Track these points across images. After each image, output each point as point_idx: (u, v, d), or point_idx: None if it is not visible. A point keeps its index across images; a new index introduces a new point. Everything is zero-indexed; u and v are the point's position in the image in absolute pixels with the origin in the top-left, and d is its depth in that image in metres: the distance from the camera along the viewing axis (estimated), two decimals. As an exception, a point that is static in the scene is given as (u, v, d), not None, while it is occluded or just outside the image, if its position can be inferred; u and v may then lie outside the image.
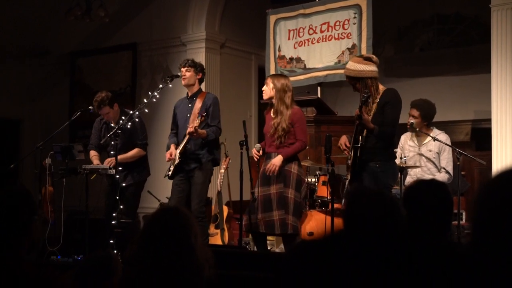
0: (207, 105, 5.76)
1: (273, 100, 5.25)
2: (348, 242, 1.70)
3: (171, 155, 5.69)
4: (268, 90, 5.28)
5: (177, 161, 5.67)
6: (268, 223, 5.14)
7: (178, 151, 5.67)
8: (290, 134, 5.20)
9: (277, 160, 5.12)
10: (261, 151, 5.29)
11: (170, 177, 5.80)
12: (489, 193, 1.46)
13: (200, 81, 5.91)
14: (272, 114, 5.29)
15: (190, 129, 5.44)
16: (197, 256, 2.21)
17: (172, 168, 5.73)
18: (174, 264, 2.17)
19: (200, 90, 5.91)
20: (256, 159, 5.34)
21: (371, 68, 4.68)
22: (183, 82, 5.85)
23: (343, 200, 5.58)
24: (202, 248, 2.28)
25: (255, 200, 5.19)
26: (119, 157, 5.72)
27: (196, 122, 5.43)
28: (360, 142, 4.55)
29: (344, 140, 4.82)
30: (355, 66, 4.72)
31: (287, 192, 5.13)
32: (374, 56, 4.80)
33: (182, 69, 5.82)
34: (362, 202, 2.01)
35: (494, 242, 1.39)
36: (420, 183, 2.80)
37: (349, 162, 4.79)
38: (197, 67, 5.85)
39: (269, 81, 5.31)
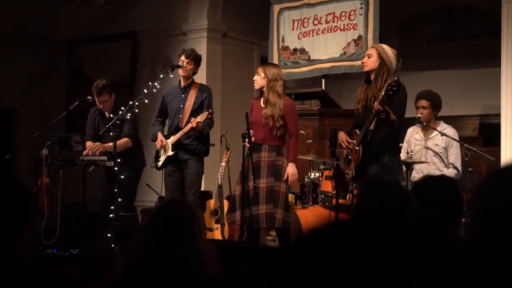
0: (202, 97, 5.79)
1: (264, 90, 5.29)
2: (357, 233, 1.68)
3: (162, 142, 5.73)
4: (259, 80, 5.31)
5: (170, 153, 5.70)
6: (253, 217, 5.19)
7: (170, 142, 5.70)
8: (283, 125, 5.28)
9: (293, 169, 5.24)
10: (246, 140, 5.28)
11: (159, 168, 5.83)
12: (492, 186, 1.45)
13: (195, 73, 5.96)
14: (262, 104, 5.32)
15: (192, 124, 5.46)
16: (200, 252, 2.20)
17: (161, 159, 5.76)
18: (176, 259, 2.16)
19: (193, 81, 5.95)
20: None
21: (394, 61, 4.78)
22: (182, 73, 5.85)
23: (347, 195, 5.59)
24: (205, 243, 2.27)
25: (258, 194, 5.21)
26: (106, 145, 5.83)
27: (200, 118, 5.47)
28: (368, 137, 4.58)
29: (344, 137, 4.83)
30: (387, 48, 4.85)
31: (278, 186, 5.19)
32: (401, 60, 4.88)
33: (184, 59, 5.80)
34: (378, 192, 2.00)
35: (493, 239, 1.38)
36: (429, 179, 2.80)
37: (350, 157, 4.81)
38: (198, 62, 5.91)
39: (260, 71, 5.35)
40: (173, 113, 5.87)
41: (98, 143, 5.90)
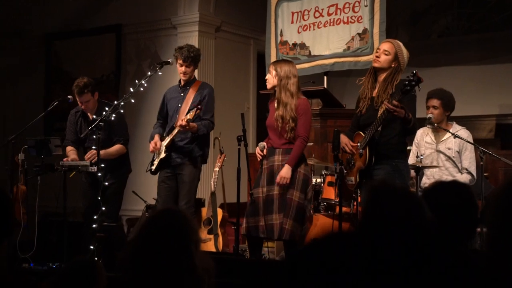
0: (202, 95, 5.79)
1: (276, 89, 5.28)
2: (364, 243, 1.69)
3: (156, 145, 5.72)
4: (271, 78, 5.30)
5: (162, 155, 5.72)
6: (268, 227, 5.18)
7: (164, 143, 5.72)
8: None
9: (286, 172, 5.13)
10: (265, 150, 5.30)
11: (153, 172, 5.84)
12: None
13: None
14: (275, 105, 5.31)
15: (181, 121, 5.46)
16: (196, 266, 2.21)
17: (155, 162, 5.78)
18: (170, 274, 2.17)
19: (194, 78, 5.96)
20: (259, 159, 5.34)
21: (405, 65, 4.83)
22: (183, 78, 5.87)
23: (351, 203, 5.60)
24: (202, 256, 2.27)
25: (254, 202, 5.20)
26: (101, 152, 5.70)
27: (189, 115, 5.47)
28: (375, 139, 4.60)
29: (347, 140, 4.84)
30: (404, 49, 4.87)
31: (290, 194, 5.15)
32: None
33: (182, 62, 5.79)
34: (387, 199, 1.99)
35: None
36: (440, 185, 2.81)
37: (353, 162, 4.83)
38: (197, 62, 5.92)
39: (271, 69, 5.33)
40: (171, 113, 5.92)
41: (91, 151, 5.86)
